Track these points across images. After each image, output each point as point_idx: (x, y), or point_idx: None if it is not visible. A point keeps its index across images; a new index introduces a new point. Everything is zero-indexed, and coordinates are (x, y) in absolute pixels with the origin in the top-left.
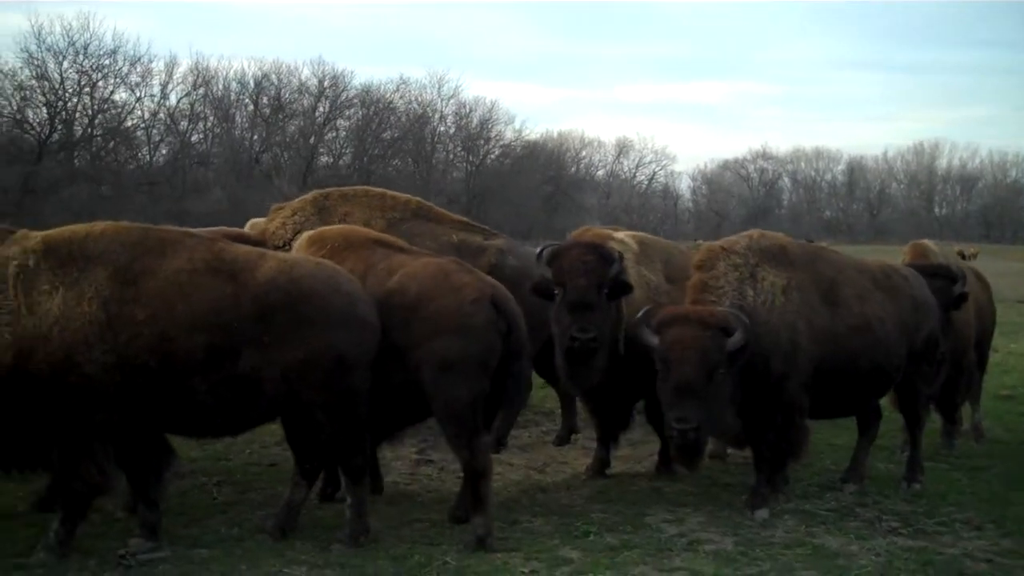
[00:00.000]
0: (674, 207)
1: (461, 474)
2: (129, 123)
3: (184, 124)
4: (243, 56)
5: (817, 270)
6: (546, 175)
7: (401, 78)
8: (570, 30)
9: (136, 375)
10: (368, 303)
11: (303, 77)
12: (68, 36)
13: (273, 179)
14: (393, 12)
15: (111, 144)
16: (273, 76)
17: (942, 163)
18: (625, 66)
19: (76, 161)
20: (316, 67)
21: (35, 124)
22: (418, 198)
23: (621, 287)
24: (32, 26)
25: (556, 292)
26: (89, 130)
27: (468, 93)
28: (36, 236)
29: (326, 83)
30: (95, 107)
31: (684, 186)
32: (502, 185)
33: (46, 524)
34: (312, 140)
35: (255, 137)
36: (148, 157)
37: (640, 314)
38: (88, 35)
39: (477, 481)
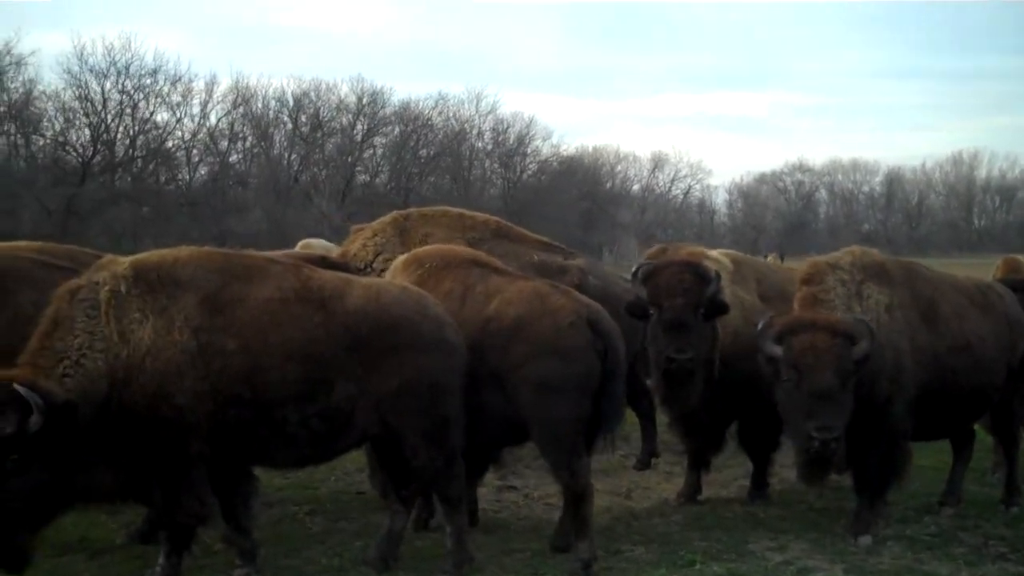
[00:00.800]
0: (710, 221)
1: (548, 500)
2: (170, 143)
3: (224, 144)
4: (282, 74)
5: (916, 288)
6: (582, 190)
7: (440, 94)
8: (605, 41)
9: (228, 405)
10: (453, 326)
11: (342, 95)
12: (110, 56)
13: (312, 198)
14: (432, 28)
15: (152, 165)
16: (312, 94)
17: (981, 173)
18: (660, 77)
19: (118, 183)
20: (355, 84)
21: (78, 145)
22: (497, 218)
23: (718, 307)
24: (74, 47)
25: (651, 312)
26: (131, 151)
27: (505, 108)
28: (124, 261)
29: (365, 100)
30: (136, 128)
31: (720, 200)
32: (539, 201)
33: (149, 557)
34: (351, 158)
35: (293, 156)
36: (188, 177)
37: (760, 325)
38: (130, 55)
39: (579, 504)
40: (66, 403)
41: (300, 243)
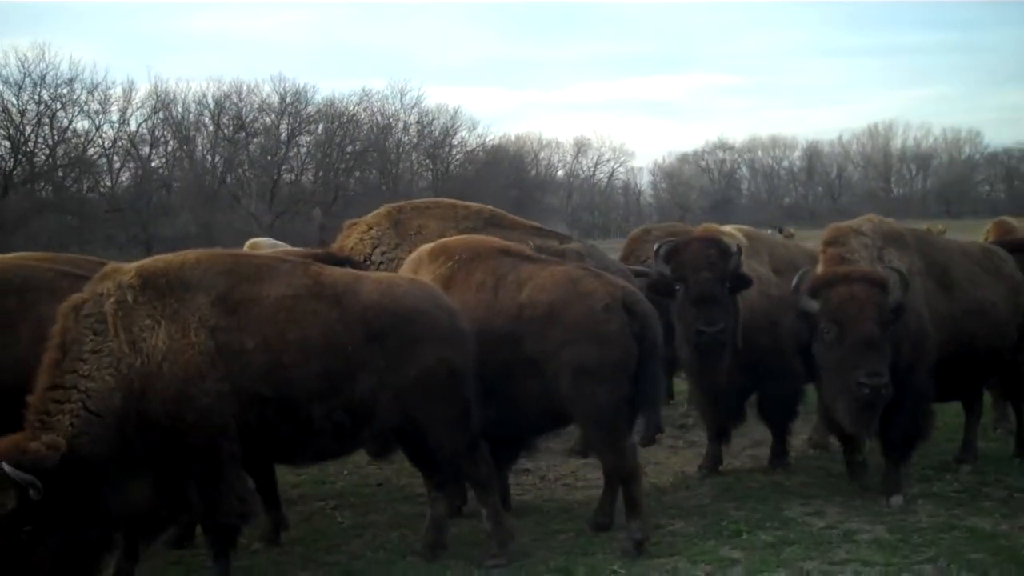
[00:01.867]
0: (636, 202)
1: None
2: (91, 151)
3: (145, 149)
4: (202, 77)
5: (930, 255)
6: (510, 179)
7: (363, 90)
8: (523, 33)
9: (251, 405)
10: (462, 314)
11: (264, 95)
12: (24, 67)
13: (240, 199)
14: (352, 25)
15: (74, 173)
16: (234, 96)
17: (897, 143)
18: (578, 66)
19: (40, 193)
20: (277, 84)
21: None
22: (490, 207)
23: (741, 280)
24: None
25: (677, 288)
26: (51, 161)
27: (430, 101)
28: (130, 269)
29: (288, 99)
30: (56, 137)
31: (644, 181)
32: (468, 191)
33: (196, 560)
34: (276, 158)
35: (217, 159)
36: (111, 184)
37: (795, 281)
38: (44, 65)
39: (629, 485)
40: (65, 460)
41: (248, 243)
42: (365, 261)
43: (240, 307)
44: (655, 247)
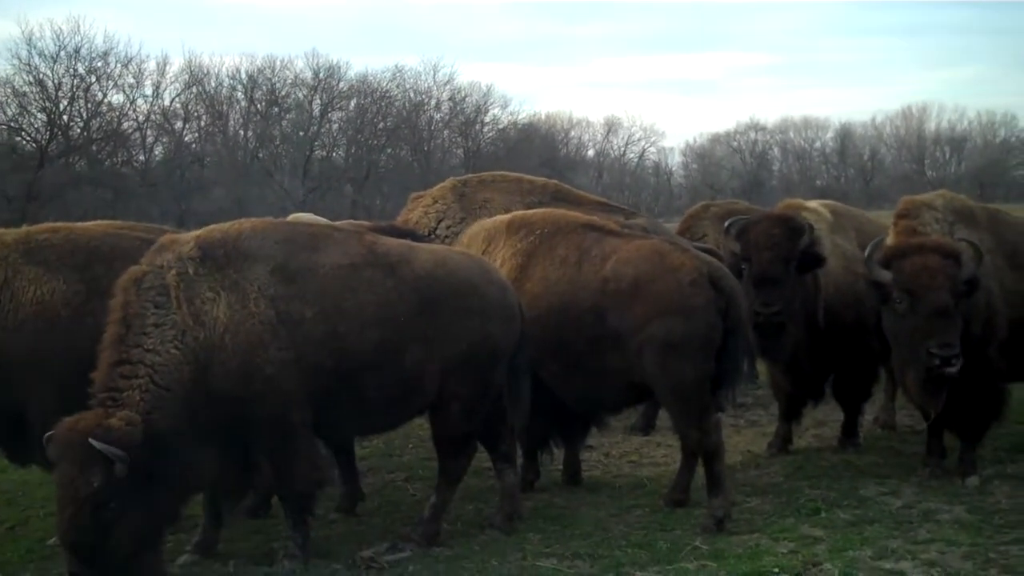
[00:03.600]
0: (667, 183)
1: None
2: (125, 125)
3: (179, 124)
4: (236, 52)
5: (1000, 233)
6: (541, 158)
7: (396, 67)
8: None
9: (312, 374)
10: (514, 292)
11: (297, 70)
12: (59, 40)
13: (272, 175)
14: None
15: (108, 147)
16: (267, 71)
17: (930, 126)
18: (609, 43)
19: (76, 166)
20: (310, 59)
21: (32, 131)
22: (555, 181)
23: (812, 259)
24: (23, 32)
25: (743, 267)
26: (86, 134)
27: (462, 79)
28: (188, 240)
29: (321, 75)
30: (90, 110)
31: (675, 162)
32: (500, 169)
33: (278, 531)
34: (308, 134)
35: (250, 134)
36: (144, 158)
37: (867, 250)
38: (79, 38)
39: (711, 462)
40: (144, 436)
41: (289, 217)
42: (430, 235)
43: (298, 276)
44: (726, 225)
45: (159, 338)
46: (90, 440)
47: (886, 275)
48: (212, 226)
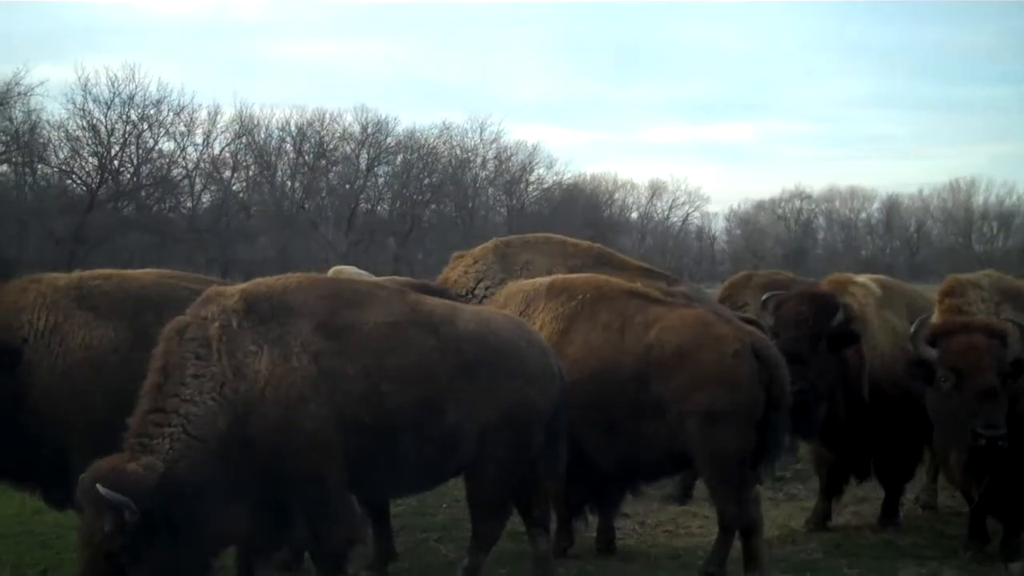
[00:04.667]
0: (710, 247)
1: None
2: (174, 172)
3: (227, 173)
4: (286, 104)
5: None
6: (585, 218)
7: (444, 123)
8: (601, 72)
9: (352, 432)
10: (554, 356)
11: (346, 124)
12: (114, 87)
13: (317, 226)
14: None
15: (157, 193)
16: (316, 123)
17: (978, 200)
18: (654, 107)
19: (124, 211)
20: (359, 114)
21: (83, 174)
22: (599, 245)
23: (845, 337)
24: (79, 78)
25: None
26: (135, 179)
27: (509, 137)
28: (233, 293)
29: (369, 130)
30: (141, 157)
31: (719, 227)
32: (542, 229)
33: None
34: (355, 186)
35: (297, 185)
36: (191, 205)
37: (913, 328)
38: (134, 86)
39: (749, 536)
40: (169, 484)
41: (332, 270)
42: (468, 295)
43: (342, 333)
44: (763, 299)
45: (196, 389)
46: (97, 485)
47: (932, 353)
48: (258, 280)
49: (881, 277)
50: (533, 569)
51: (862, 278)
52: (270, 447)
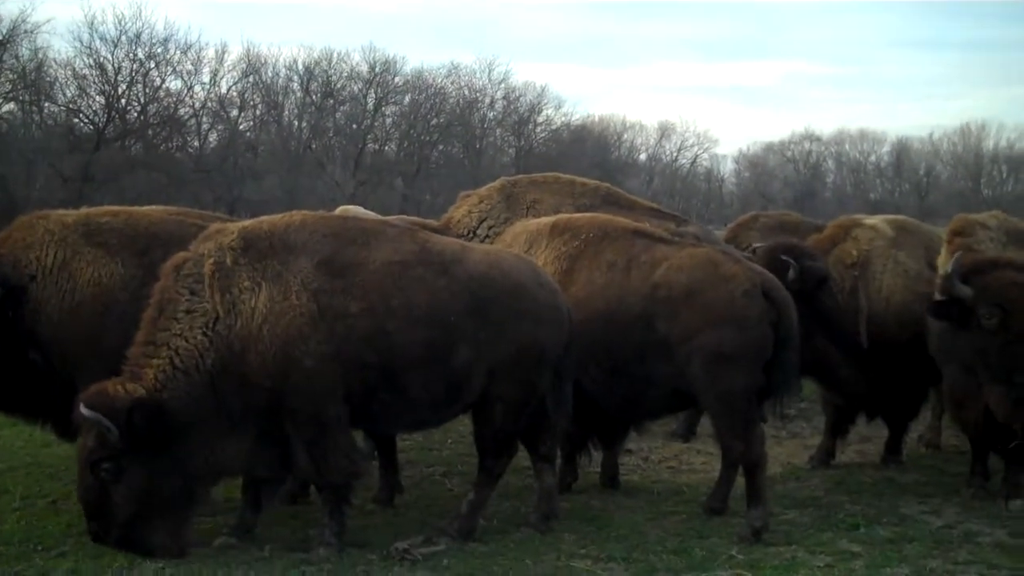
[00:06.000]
0: (719, 190)
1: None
2: (181, 111)
3: (234, 112)
4: (294, 43)
5: None
6: (592, 159)
7: (452, 63)
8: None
9: (354, 370)
10: (563, 296)
11: (353, 63)
12: (121, 25)
13: (324, 166)
14: None
15: (164, 132)
16: (323, 63)
17: (988, 144)
18: (665, 47)
19: (131, 150)
20: (367, 53)
21: (90, 113)
22: (607, 184)
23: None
24: (85, 16)
25: None
26: (142, 119)
27: (517, 78)
28: (233, 231)
29: (377, 69)
30: (148, 95)
31: (727, 169)
32: (550, 170)
33: (315, 517)
34: (362, 126)
35: (304, 124)
36: (198, 145)
37: (949, 266)
38: (140, 24)
39: (753, 473)
40: (138, 406)
41: (338, 209)
42: (470, 234)
43: (346, 271)
44: (753, 248)
45: (188, 324)
46: (81, 405)
47: (967, 291)
48: (263, 217)
49: (899, 218)
50: (537, 503)
51: (873, 220)
52: (268, 384)
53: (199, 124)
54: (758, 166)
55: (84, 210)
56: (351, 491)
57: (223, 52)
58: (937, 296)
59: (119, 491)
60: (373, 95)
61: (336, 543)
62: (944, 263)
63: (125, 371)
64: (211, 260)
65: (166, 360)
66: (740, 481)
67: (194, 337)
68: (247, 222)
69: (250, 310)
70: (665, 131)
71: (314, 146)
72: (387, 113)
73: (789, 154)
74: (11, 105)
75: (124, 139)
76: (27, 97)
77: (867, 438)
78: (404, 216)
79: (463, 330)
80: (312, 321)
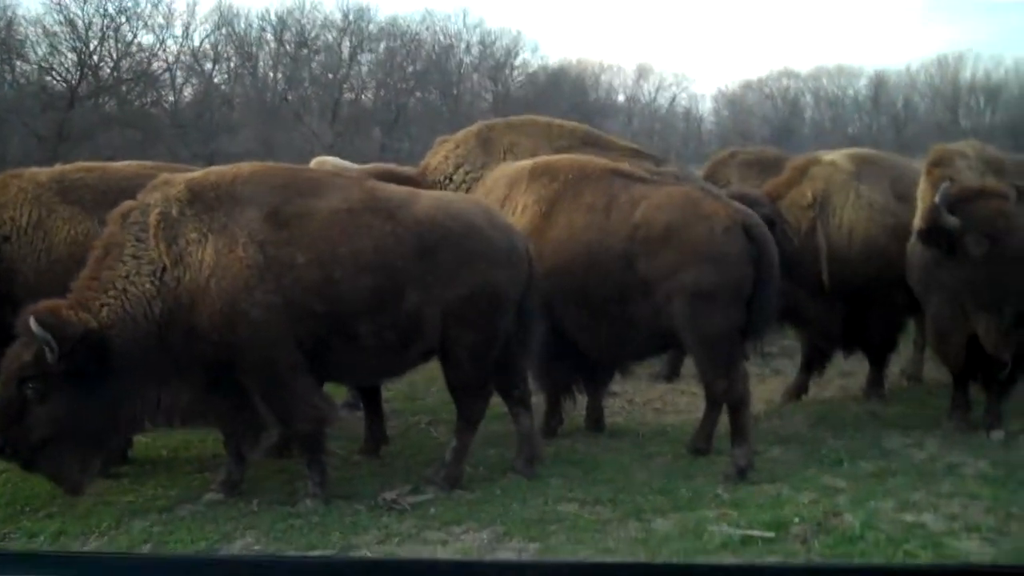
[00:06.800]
0: (697, 129)
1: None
2: (154, 66)
3: (208, 65)
4: None
5: None
6: (570, 103)
7: (426, 10)
8: None
9: (302, 319)
10: (522, 237)
11: (327, 12)
12: None
13: (302, 117)
14: None
15: (137, 88)
16: (296, 12)
17: (966, 75)
18: None
19: (105, 107)
20: (340, 1)
21: (62, 71)
22: (585, 125)
23: None
24: None
25: None
26: (115, 75)
27: (493, 22)
28: (179, 181)
29: (351, 17)
30: (120, 51)
31: (706, 108)
32: (529, 114)
33: (302, 471)
34: (338, 76)
35: (279, 76)
36: (173, 99)
37: (936, 196)
38: None
39: (737, 411)
40: (87, 336)
41: (314, 160)
42: (446, 180)
43: (292, 221)
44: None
45: (135, 268)
46: (30, 318)
47: (954, 221)
48: (210, 168)
49: (861, 151)
50: (519, 447)
51: (832, 155)
52: (216, 336)
53: (173, 78)
54: (736, 104)
55: (58, 167)
56: (321, 438)
57: (194, 4)
58: (920, 224)
59: (39, 412)
60: (348, 43)
61: (321, 493)
62: (925, 194)
63: (72, 299)
64: (157, 210)
65: (117, 302)
66: (724, 420)
67: (142, 284)
68: (195, 173)
69: (198, 263)
70: (642, 72)
71: (290, 97)
72: (362, 61)
73: (767, 91)
74: None
75: (98, 96)
76: None
77: (849, 373)
78: (380, 164)
79: (411, 274)
80: (259, 273)
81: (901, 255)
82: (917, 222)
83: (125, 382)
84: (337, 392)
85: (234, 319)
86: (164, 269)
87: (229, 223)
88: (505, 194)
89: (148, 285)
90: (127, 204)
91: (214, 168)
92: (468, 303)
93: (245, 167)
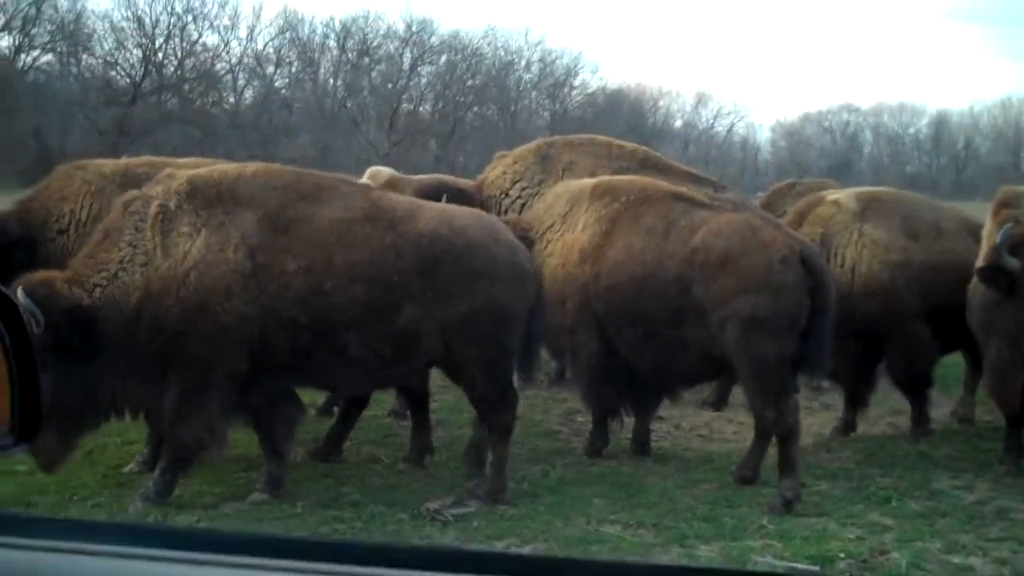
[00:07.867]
0: (754, 159)
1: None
2: (217, 66)
3: (270, 69)
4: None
5: None
6: (627, 125)
7: (489, 25)
8: None
9: (281, 329)
10: (528, 254)
11: (390, 22)
12: None
13: (359, 125)
14: None
15: (200, 87)
16: (360, 21)
17: None
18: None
19: (167, 104)
20: (404, 12)
21: (127, 66)
22: (645, 147)
23: None
24: None
25: None
26: (179, 73)
27: (553, 41)
28: (182, 176)
29: (414, 28)
30: (184, 50)
31: (763, 138)
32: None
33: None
34: (397, 86)
35: (339, 83)
36: (234, 100)
37: (998, 237)
38: None
39: (786, 442)
40: (74, 310)
41: (368, 171)
42: (502, 195)
43: (290, 226)
44: None
45: (129, 256)
46: (20, 289)
47: (1015, 263)
48: (217, 165)
49: (870, 190)
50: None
51: (838, 195)
52: (179, 328)
53: (235, 80)
54: (794, 135)
55: (123, 160)
56: (191, 459)
57: (260, 8)
58: (980, 264)
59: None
60: (409, 55)
61: (156, 500)
62: (990, 234)
63: (69, 275)
64: (157, 202)
65: (110, 285)
66: (771, 452)
67: (133, 274)
68: (200, 169)
69: (182, 255)
70: (701, 98)
71: (349, 105)
72: (422, 73)
73: (827, 124)
74: (49, 56)
75: (160, 93)
76: (64, 49)
77: (899, 411)
78: (437, 176)
79: (409, 289)
80: (243, 280)
81: (911, 291)
82: (978, 262)
83: (101, 366)
84: (385, 399)
85: (201, 316)
86: (152, 260)
87: (226, 221)
88: (566, 211)
89: (138, 276)
90: (131, 193)
91: (221, 165)
92: (470, 320)
93: (251, 166)
